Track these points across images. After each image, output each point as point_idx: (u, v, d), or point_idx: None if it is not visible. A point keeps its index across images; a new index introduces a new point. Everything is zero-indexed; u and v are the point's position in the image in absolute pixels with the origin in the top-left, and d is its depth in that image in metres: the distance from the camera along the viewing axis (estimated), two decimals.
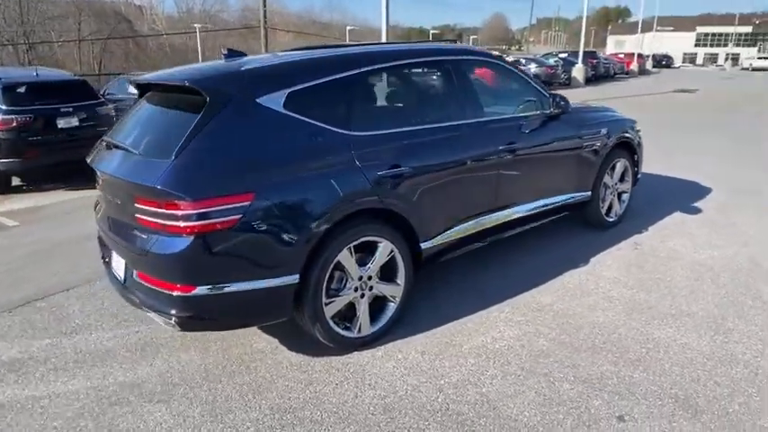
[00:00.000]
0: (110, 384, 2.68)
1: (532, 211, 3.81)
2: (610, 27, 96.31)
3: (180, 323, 2.45)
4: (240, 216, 2.35)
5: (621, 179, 4.71)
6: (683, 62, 65.97)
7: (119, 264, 2.79)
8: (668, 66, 47.98)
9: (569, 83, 23.57)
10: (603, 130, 4.31)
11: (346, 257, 2.74)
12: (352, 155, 2.74)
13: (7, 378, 2.77)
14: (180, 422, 2.39)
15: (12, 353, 3.02)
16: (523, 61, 21.80)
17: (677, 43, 69.93)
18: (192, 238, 2.30)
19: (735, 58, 60.56)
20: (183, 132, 2.39)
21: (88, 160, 3.04)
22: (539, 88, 3.92)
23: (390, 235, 2.90)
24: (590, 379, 2.59)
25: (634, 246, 4.30)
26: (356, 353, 2.87)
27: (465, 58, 3.54)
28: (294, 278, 2.55)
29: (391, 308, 3.02)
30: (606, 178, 4.48)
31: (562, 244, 4.32)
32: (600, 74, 27.30)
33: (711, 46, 73.65)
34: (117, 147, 2.72)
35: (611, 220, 4.67)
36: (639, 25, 41.94)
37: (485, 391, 2.53)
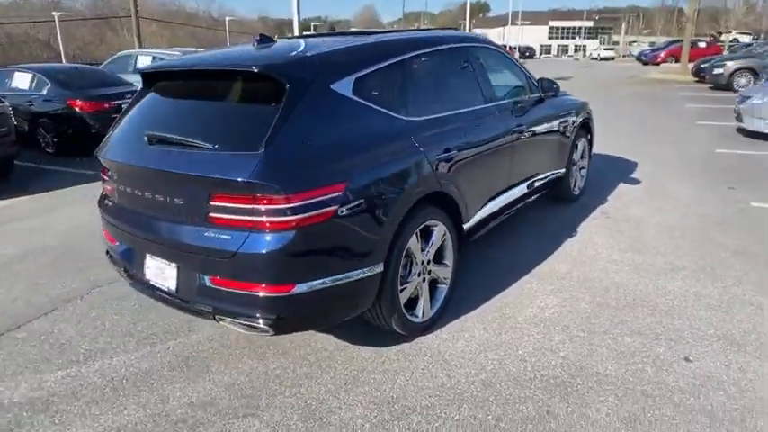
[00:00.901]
0: (175, 407, 2.41)
1: (532, 188, 4.10)
2: (474, 21, 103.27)
3: (275, 326, 2.28)
4: (336, 207, 2.26)
5: (581, 156, 5.22)
6: (541, 53, 72.95)
7: (163, 272, 2.51)
8: (531, 57, 52.72)
9: None
10: (573, 112, 4.74)
11: (414, 243, 2.75)
12: (412, 140, 2.74)
13: (41, 421, 2.36)
14: (283, 431, 2.25)
15: (22, 391, 2.56)
16: None
17: (534, 36, 77.08)
18: (292, 232, 2.15)
19: (583, 49, 68.64)
20: (265, 122, 2.22)
21: (103, 155, 2.68)
22: (528, 74, 4.20)
23: (443, 218, 2.96)
24: (642, 331, 2.91)
25: (605, 215, 4.82)
26: (421, 337, 2.90)
27: (483, 45, 3.71)
28: (380, 267, 2.51)
29: (443, 290, 3.08)
30: (573, 155, 4.94)
31: (546, 218, 4.69)
32: None
33: (562, 38, 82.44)
34: (166, 141, 2.43)
35: (576, 193, 5.17)
36: (510, 18, 45.52)
37: (563, 354, 2.72)
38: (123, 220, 2.66)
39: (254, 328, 2.31)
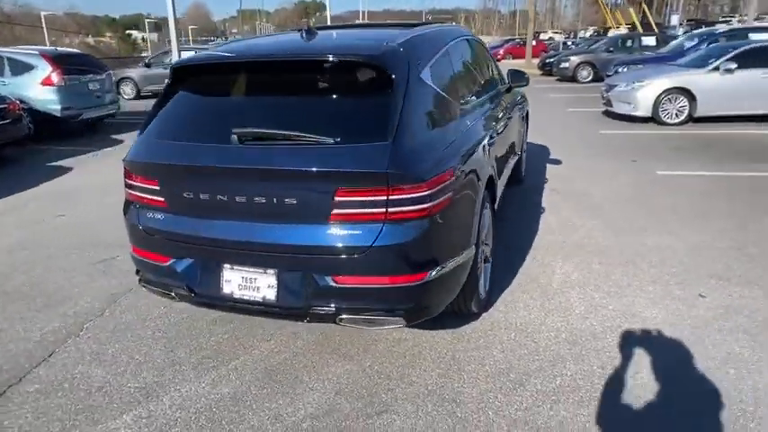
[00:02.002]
0: (297, 422, 2.28)
1: (510, 170, 4.52)
2: (314, 20, 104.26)
3: (408, 316, 2.29)
4: (451, 193, 2.35)
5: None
6: None
7: (253, 282, 2.35)
8: None
9: None
10: (524, 100, 5.30)
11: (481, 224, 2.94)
12: (469, 124, 2.92)
13: None
14: (426, 419, 2.28)
15: None
16: None
17: None
18: (426, 220, 2.18)
19: None
20: (380, 112, 2.22)
21: (155, 160, 2.41)
22: (497, 65, 4.62)
23: (489, 199, 3.19)
24: (655, 280, 3.46)
25: (555, 191, 5.47)
26: (485, 314, 3.10)
27: (475, 38, 4.00)
28: (473, 249, 2.65)
29: (488, 267, 3.31)
30: (525, 139, 5.52)
31: (511, 200, 5.18)
32: None
33: None
34: (263, 138, 2.26)
35: (524, 175, 5.76)
36: (370, 17, 46.62)
37: (612, 308, 3.12)
38: (190, 231, 2.40)
39: (386, 322, 2.30)
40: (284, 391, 2.49)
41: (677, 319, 2.98)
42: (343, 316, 2.28)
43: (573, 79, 17.02)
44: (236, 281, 2.39)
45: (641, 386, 2.43)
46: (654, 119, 8.93)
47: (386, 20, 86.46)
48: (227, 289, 2.40)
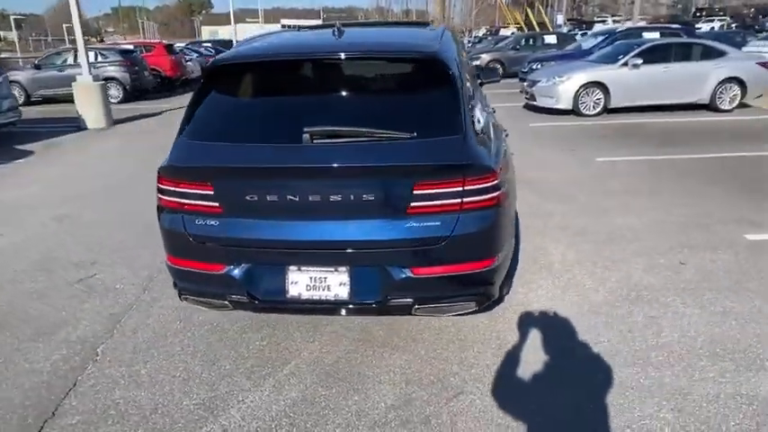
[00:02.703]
0: (382, 413, 2.34)
1: None
2: (201, 18, 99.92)
3: (480, 300, 2.44)
4: (506, 181, 2.52)
5: None
6: None
7: (323, 282, 2.38)
8: None
9: None
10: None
11: None
12: (487, 118, 3.12)
13: None
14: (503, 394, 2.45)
15: None
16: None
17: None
18: (495, 208, 2.33)
19: None
20: (449, 107, 2.33)
21: (213, 163, 2.33)
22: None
23: None
24: (646, 252, 3.90)
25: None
26: (508, 296, 3.31)
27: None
28: (513, 236, 2.85)
29: None
30: None
31: None
32: None
33: None
34: (335, 136, 2.28)
35: None
36: (263, 15, 45.22)
37: (617, 280, 3.49)
38: (251, 234, 2.35)
39: (460, 308, 2.42)
40: (354, 388, 2.52)
41: (671, 283, 3.41)
42: (418, 306, 2.37)
43: None
44: (303, 282, 2.38)
45: (666, 342, 2.78)
46: (574, 111, 9.81)
47: (281, 18, 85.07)
48: (293, 291, 2.39)
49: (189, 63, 18.36)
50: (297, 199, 2.27)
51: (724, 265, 3.64)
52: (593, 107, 9.75)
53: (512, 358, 2.70)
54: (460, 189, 2.24)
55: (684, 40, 11.76)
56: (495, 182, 2.31)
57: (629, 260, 3.78)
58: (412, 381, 2.56)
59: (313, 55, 2.55)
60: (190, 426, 2.31)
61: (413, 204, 2.25)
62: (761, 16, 36.97)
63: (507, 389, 2.49)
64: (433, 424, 2.27)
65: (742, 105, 9.81)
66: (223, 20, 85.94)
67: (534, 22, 33.66)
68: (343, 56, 2.40)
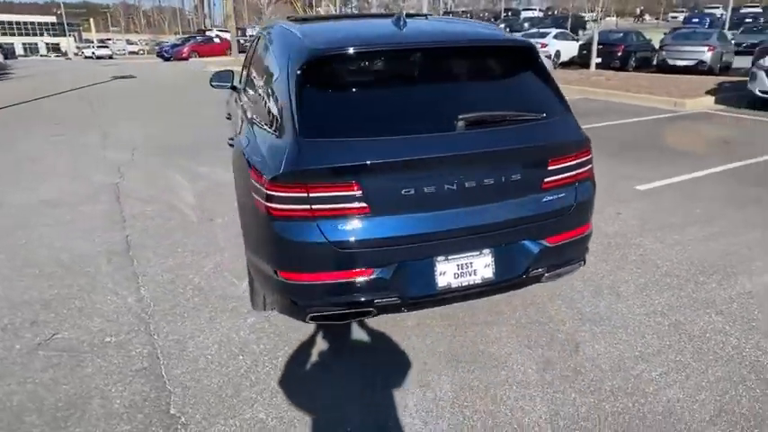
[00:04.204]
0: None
1: None
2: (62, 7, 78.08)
3: (584, 259, 2.80)
4: None
5: None
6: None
7: (468, 267, 2.45)
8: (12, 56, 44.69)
9: None
10: None
11: None
12: None
13: None
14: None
15: None
16: None
17: None
18: (591, 179, 2.72)
19: (56, 48, 63.77)
20: (552, 89, 2.63)
21: (397, 158, 2.24)
22: None
23: None
24: None
25: None
26: None
27: None
28: None
29: None
30: None
31: None
32: None
33: (21, 35, 73.03)
34: (484, 122, 2.40)
35: None
36: None
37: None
38: (400, 232, 2.30)
39: (573, 269, 2.77)
40: (493, 364, 2.69)
41: (620, 228, 4.31)
42: (548, 273, 2.63)
43: None
44: (451, 271, 2.42)
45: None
46: None
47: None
48: (442, 282, 2.41)
49: None
50: (454, 187, 2.31)
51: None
52: None
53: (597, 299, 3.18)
54: (577, 162, 2.57)
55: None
56: (591, 155, 2.71)
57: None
58: (535, 344, 2.84)
59: (425, 44, 2.57)
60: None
61: (547, 180, 2.50)
62: None
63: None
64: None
65: None
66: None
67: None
68: (452, 46, 2.55)
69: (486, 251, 2.47)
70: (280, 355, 2.74)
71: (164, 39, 60.16)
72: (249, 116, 3.01)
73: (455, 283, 2.43)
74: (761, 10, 43.69)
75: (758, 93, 9.67)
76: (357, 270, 2.31)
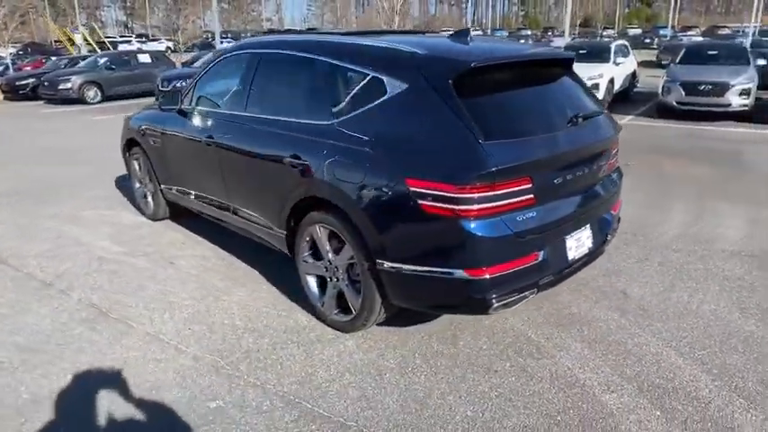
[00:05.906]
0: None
1: None
2: None
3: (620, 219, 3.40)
4: None
5: None
6: None
7: (579, 241, 2.86)
8: None
9: None
10: None
11: None
12: None
13: None
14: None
15: None
16: None
17: None
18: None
19: None
20: (591, 91, 3.27)
21: (550, 154, 2.63)
22: None
23: None
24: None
25: None
26: None
27: None
28: None
29: None
30: None
31: None
32: None
33: None
34: (580, 119, 2.86)
35: None
36: None
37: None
38: (554, 216, 2.67)
39: (615, 232, 3.28)
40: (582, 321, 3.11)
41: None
42: (610, 238, 3.16)
43: (80, 101, 15.35)
44: (573, 246, 2.83)
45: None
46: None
47: None
48: (570, 256, 2.80)
49: None
50: (580, 173, 2.80)
51: None
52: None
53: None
54: (615, 150, 3.24)
55: None
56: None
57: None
58: (596, 342, 3.00)
59: (530, 57, 3.08)
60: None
61: (611, 161, 3.15)
62: None
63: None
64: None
65: None
66: None
67: (92, 43, 29.61)
68: (542, 59, 3.14)
69: (587, 225, 2.93)
70: None
71: None
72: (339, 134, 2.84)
73: (577, 256, 2.85)
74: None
75: None
76: (530, 255, 2.59)
